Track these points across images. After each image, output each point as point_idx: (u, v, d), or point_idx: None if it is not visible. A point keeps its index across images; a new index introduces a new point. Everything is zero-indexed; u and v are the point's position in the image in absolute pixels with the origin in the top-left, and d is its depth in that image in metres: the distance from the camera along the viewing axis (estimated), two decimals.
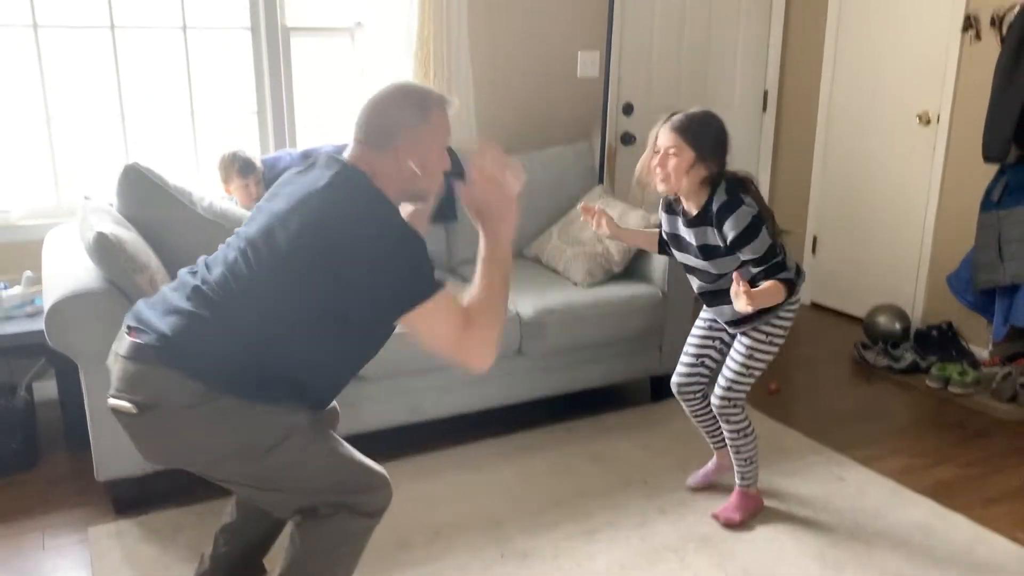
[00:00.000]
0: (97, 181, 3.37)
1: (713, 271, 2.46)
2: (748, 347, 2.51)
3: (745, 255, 2.36)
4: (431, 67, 3.64)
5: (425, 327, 1.75)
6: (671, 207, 2.53)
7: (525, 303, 3.13)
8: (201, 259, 1.91)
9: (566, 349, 3.18)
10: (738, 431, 2.59)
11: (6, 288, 3.04)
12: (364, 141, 1.83)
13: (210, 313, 1.74)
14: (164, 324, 1.75)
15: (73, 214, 3.28)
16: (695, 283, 2.58)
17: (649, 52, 4.39)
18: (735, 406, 2.57)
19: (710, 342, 2.67)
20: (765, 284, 2.33)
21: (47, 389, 3.29)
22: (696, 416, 2.74)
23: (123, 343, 1.78)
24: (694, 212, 2.42)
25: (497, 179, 1.82)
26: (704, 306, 2.63)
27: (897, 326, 4.06)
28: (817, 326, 4.55)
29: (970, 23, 3.77)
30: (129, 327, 1.80)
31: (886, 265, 4.39)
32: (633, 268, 3.46)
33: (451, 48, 3.67)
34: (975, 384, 3.60)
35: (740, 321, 2.49)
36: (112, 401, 1.76)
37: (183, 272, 1.90)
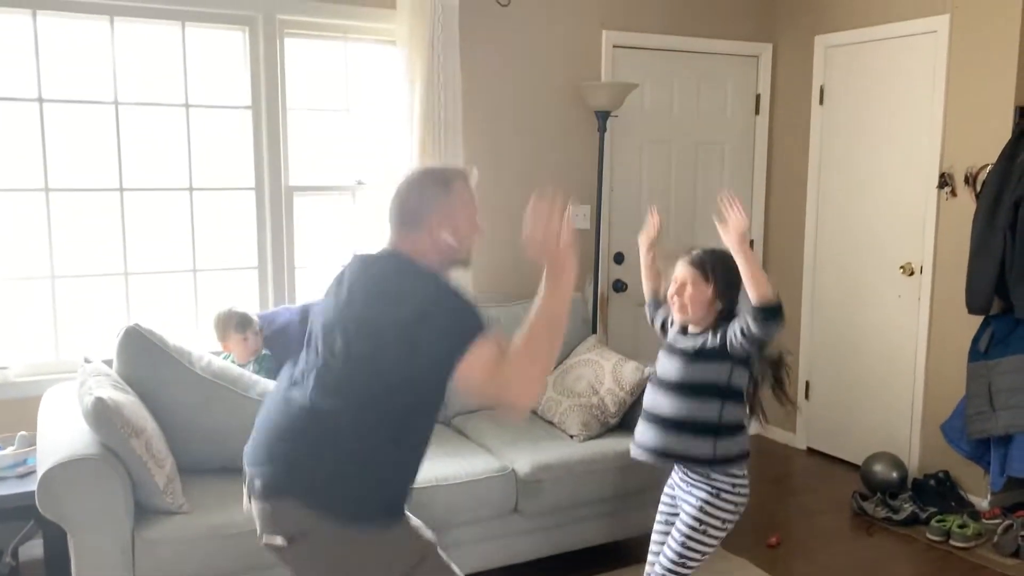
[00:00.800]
0: (97, 337, 3.41)
1: (684, 378, 2.42)
2: (696, 517, 2.43)
3: (732, 328, 2.37)
4: None
5: (468, 364, 1.79)
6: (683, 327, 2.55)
7: (521, 458, 3.12)
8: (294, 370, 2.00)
9: (564, 507, 3.15)
10: None
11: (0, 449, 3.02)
12: (399, 225, 1.97)
13: (315, 432, 1.85)
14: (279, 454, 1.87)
15: (72, 371, 3.31)
16: (652, 400, 2.52)
17: (638, 204, 4.55)
18: None
19: (668, 529, 2.57)
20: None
21: (33, 549, 3.21)
22: None
23: (251, 484, 1.90)
24: (696, 330, 2.48)
25: (553, 234, 1.90)
26: (668, 482, 2.59)
27: (894, 475, 4.04)
28: (815, 473, 4.51)
29: (945, 180, 3.95)
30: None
31: (880, 412, 4.41)
32: (629, 420, 3.47)
33: None
34: (976, 537, 3.55)
35: (696, 461, 2.43)
36: (264, 541, 1.86)
37: (284, 384, 1.99)
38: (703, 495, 2.44)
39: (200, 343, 3.55)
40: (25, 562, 3.18)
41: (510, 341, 1.83)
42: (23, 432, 3.08)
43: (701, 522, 2.43)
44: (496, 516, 3.05)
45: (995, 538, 3.52)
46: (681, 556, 2.44)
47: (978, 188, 3.76)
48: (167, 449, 2.68)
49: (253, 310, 3.35)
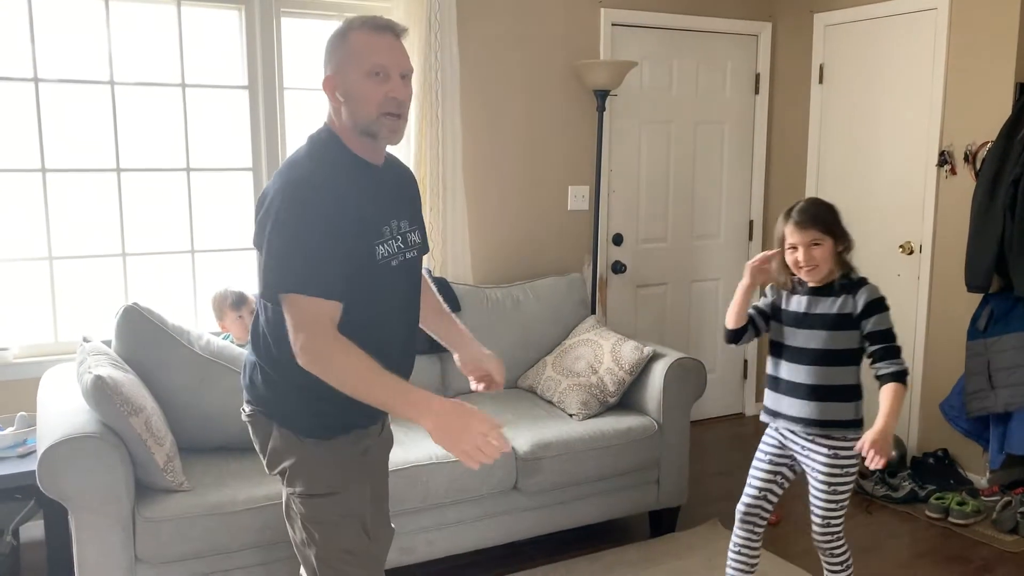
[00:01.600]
0: (96, 318, 3.40)
1: (826, 346, 2.48)
2: (826, 481, 2.52)
3: (869, 327, 2.44)
4: (427, 199, 3.74)
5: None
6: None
7: (520, 437, 3.12)
8: None
9: (563, 485, 3.15)
10: (840, 563, 2.59)
11: (0, 429, 3.02)
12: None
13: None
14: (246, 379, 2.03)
15: (71, 352, 3.31)
16: (790, 371, 2.55)
17: (637, 185, 4.54)
18: (838, 538, 2.57)
19: (774, 476, 2.66)
20: (891, 402, 2.38)
21: (34, 529, 3.22)
22: (745, 548, 2.67)
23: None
24: (815, 283, 2.52)
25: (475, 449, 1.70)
26: (773, 417, 2.61)
27: (893, 453, 4.04)
28: None
29: (945, 159, 3.93)
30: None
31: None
32: (627, 399, 3.48)
33: (446, 180, 3.79)
34: (975, 514, 3.56)
35: (817, 423, 2.50)
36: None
37: None
38: (832, 442, 2.50)
39: (199, 323, 3.57)
40: (26, 542, 3.19)
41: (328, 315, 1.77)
42: (23, 412, 3.08)
43: (841, 467, 2.50)
44: (496, 494, 3.05)
45: (994, 515, 3.53)
46: (836, 503, 2.53)
47: (978, 166, 3.75)
48: (166, 428, 2.68)
49: (250, 290, 3.34)
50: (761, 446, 2.70)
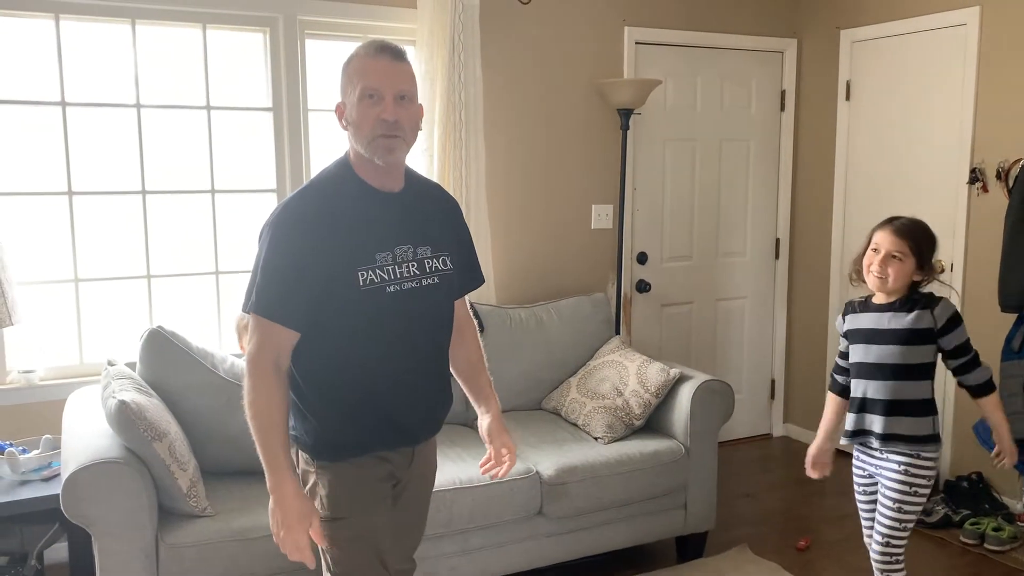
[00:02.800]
0: (121, 340, 3.41)
1: (900, 360, 2.47)
2: (893, 498, 2.51)
3: (951, 342, 2.45)
4: None
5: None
6: (851, 307, 2.63)
7: (545, 461, 3.08)
8: None
9: (589, 510, 3.11)
10: None
11: (24, 452, 3.02)
12: None
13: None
14: None
15: (96, 375, 3.32)
16: (865, 387, 2.55)
17: (661, 203, 4.50)
18: (897, 561, 2.54)
19: (875, 506, 2.62)
20: (993, 413, 2.50)
21: (59, 552, 3.22)
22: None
23: None
24: (888, 301, 2.53)
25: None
26: (851, 438, 2.62)
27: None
28: (843, 474, 4.43)
29: (976, 176, 3.86)
30: None
31: None
32: (653, 422, 3.43)
33: (469, 200, 3.77)
34: (1012, 540, 3.47)
35: (891, 438, 2.49)
36: None
37: None
38: (903, 459, 2.49)
39: (223, 344, 3.57)
40: (50, 565, 3.19)
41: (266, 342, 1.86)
42: (48, 435, 3.08)
43: (910, 484, 2.49)
44: (520, 519, 3.01)
45: None
46: (900, 522, 2.51)
47: (1010, 183, 3.68)
48: (190, 452, 2.67)
49: None
50: (854, 477, 2.70)
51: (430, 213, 2.05)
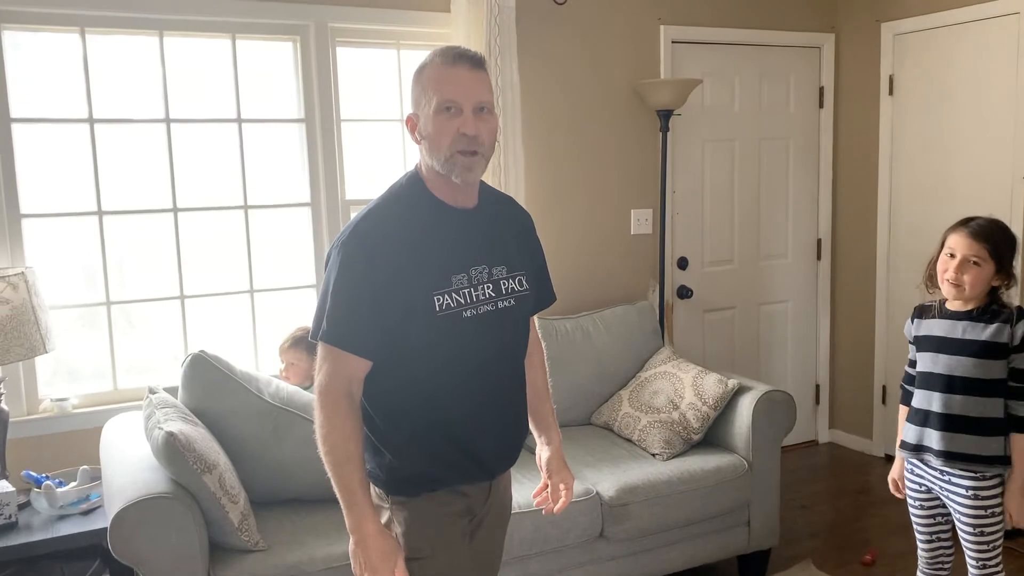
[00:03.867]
0: (155, 362, 3.30)
1: (971, 374, 2.32)
2: (972, 524, 2.36)
3: (1018, 363, 2.28)
4: None
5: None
6: (922, 312, 2.48)
7: (604, 481, 2.95)
8: None
9: (651, 531, 2.97)
10: None
11: (61, 485, 2.90)
12: None
13: None
14: None
15: (130, 400, 3.21)
16: (929, 399, 2.40)
17: (701, 206, 4.37)
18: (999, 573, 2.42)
19: (933, 518, 2.50)
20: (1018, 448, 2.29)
21: None
22: None
23: None
24: (965, 308, 2.37)
25: None
26: (909, 452, 2.47)
27: None
28: None
29: None
30: None
31: None
32: (711, 435, 3.29)
33: None
34: None
35: (955, 456, 2.35)
36: None
37: None
38: (970, 483, 2.34)
39: (260, 364, 3.45)
40: None
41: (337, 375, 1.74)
42: (85, 467, 2.96)
43: (985, 507, 2.35)
44: (581, 543, 2.88)
45: None
46: (988, 544, 2.38)
47: None
48: (239, 483, 2.55)
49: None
50: (907, 490, 2.55)
51: (505, 230, 1.93)
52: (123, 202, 3.26)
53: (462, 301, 1.77)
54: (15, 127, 3.07)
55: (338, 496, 1.73)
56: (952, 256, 2.35)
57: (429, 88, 1.74)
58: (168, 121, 3.30)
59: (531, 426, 2.10)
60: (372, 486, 1.84)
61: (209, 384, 2.72)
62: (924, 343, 2.45)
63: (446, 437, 1.81)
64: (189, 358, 2.74)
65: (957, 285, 2.33)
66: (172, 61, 3.29)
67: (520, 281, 1.89)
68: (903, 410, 2.58)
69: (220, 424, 2.69)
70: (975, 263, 2.30)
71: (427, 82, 1.75)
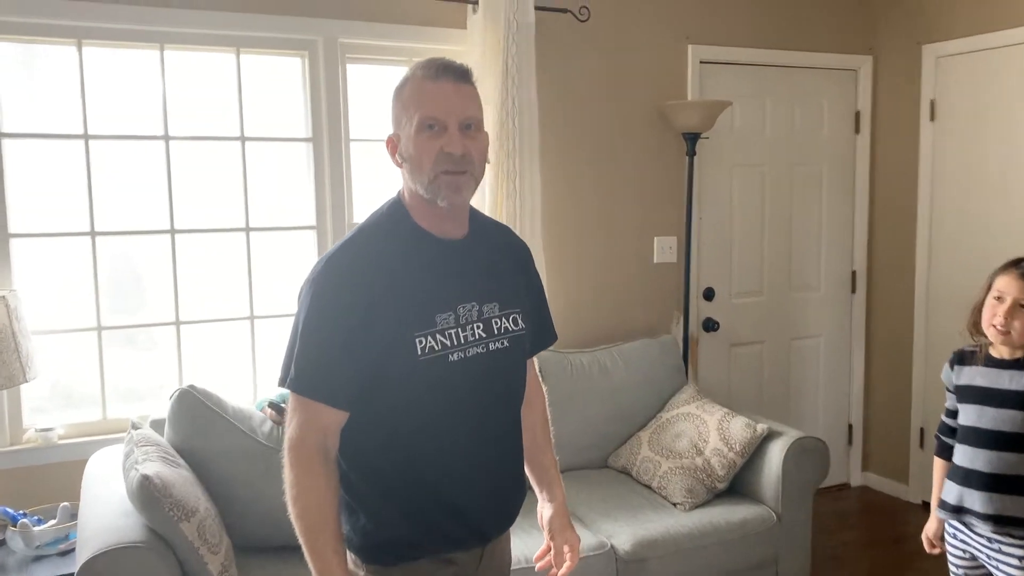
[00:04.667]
0: (147, 391, 3.13)
1: (1019, 428, 2.10)
2: None
3: None
4: None
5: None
6: (963, 358, 2.26)
7: (621, 533, 2.72)
8: None
9: None
10: None
11: (39, 523, 2.72)
12: None
13: None
14: None
15: (120, 431, 3.04)
16: (971, 456, 2.18)
17: (729, 234, 4.15)
18: None
19: None
20: None
21: None
22: None
23: None
24: (1012, 356, 2.16)
25: None
26: (950, 513, 2.24)
27: None
28: None
29: None
30: None
31: None
32: (737, 483, 3.06)
33: (524, 235, 3.42)
34: None
35: (1003, 521, 2.12)
36: None
37: None
38: (1022, 551, 2.12)
39: (258, 394, 3.26)
40: None
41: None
42: (65, 503, 2.78)
43: None
44: None
45: None
46: None
47: None
48: (222, 530, 2.35)
49: None
50: (949, 555, 2.32)
51: (498, 263, 1.72)
52: (118, 223, 3.10)
53: (448, 343, 1.57)
54: (5, 142, 2.93)
55: (310, 565, 1.53)
56: (1000, 300, 2.14)
57: (410, 105, 1.56)
58: (167, 138, 3.14)
59: (531, 480, 1.89)
60: (347, 552, 1.63)
61: (196, 422, 2.54)
62: (966, 394, 2.22)
63: (430, 498, 1.60)
64: (176, 393, 2.57)
65: (1006, 332, 2.12)
66: (172, 76, 3.14)
67: (515, 319, 1.69)
68: (939, 463, 2.35)
69: (207, 465, 2.51)
70: None
71: (408, 99, 1.57)
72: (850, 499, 4.44)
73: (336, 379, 1.53)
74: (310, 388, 1.53)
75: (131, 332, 3.16)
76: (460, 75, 1.56)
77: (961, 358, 2.28)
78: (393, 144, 1.62)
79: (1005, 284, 2.15)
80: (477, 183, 1.61)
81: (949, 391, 2.30)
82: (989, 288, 2.20)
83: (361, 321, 1.52)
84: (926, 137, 4.17)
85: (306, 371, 1.53)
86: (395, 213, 1.64)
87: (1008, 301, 2.12)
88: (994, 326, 2.14)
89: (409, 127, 1.56)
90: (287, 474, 1.55)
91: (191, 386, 2.58)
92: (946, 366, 2.31)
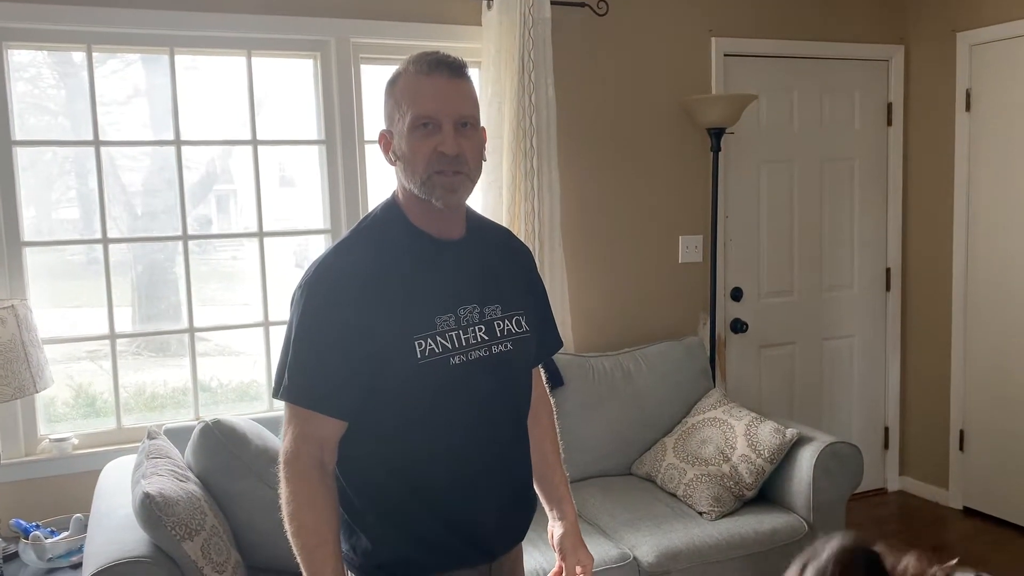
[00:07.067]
0: (162, 399, 3.08)
1: None
2: None
3: None
4: None
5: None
6: None
7: (643, 544, 2.62)
8: None
9: None
10: None
11: (52, 535, 2.69)
12: None
13: None
14: None
15: (137, 440, 2.99)
16: None
17: (757, 232, 4.03)
18: None
19: None
20: None
21: None
22: None
23: None
24: None
25: None
26: None
27: None
28: (980, 538, 3.85)
29: None
30: None
31: None
32: (766, 491, 2.94)
33: (543, 236, 3.36)
34: None
35: None
36: None
37: None
38: None
39: (274, 404, 3.21)
40: None
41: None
42: (79, 515, 2.74)
43: None
44: None
45: None
46: None
47: None
48: (230, 548, 2.28)
49: None
50: None
51: (498, 264, 1.65)
52: (129, 229, 3.07)
53: (449, 346, 1.49)
54: (17, 150, 2.90)
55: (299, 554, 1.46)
56: None
57: (403, 101, 1.49)
58: (178, 143, 3.10)
59: (541, 498, 1.80)
60: (347, 571, 1.56)
61: (215, 461, 2.45)
62: None
63: (432, 513, 1.52)
64: (200, 427, 2.48)
65: None
66: (183, 79, 3.09)
67: (518, 322, 1.61)
68: None
69: (226, 499, 2.43)
70: None
71: (400, 95, 1.50)
72: (887, 505, 4.29)
73: (332, 387, 1.46)
74: (305, 397, 1.46)
75: (163, 340, 3.12)
76: (454, 70, 1.49)
77: None
78: (386, 141, 1.55)
79: None
80: (473, 183, 1.54)
81: None
82: None
83: (357, 325, 1.45)
84: (961, 128, 4.01)
85: (300, 380, 1.46)
86: (390, 213, 1.57)
87: None
88: None
89: (402, 125, 1.49)
90: (283, 489, 1.48)
91: (216, 421, 2.49)
92: None
